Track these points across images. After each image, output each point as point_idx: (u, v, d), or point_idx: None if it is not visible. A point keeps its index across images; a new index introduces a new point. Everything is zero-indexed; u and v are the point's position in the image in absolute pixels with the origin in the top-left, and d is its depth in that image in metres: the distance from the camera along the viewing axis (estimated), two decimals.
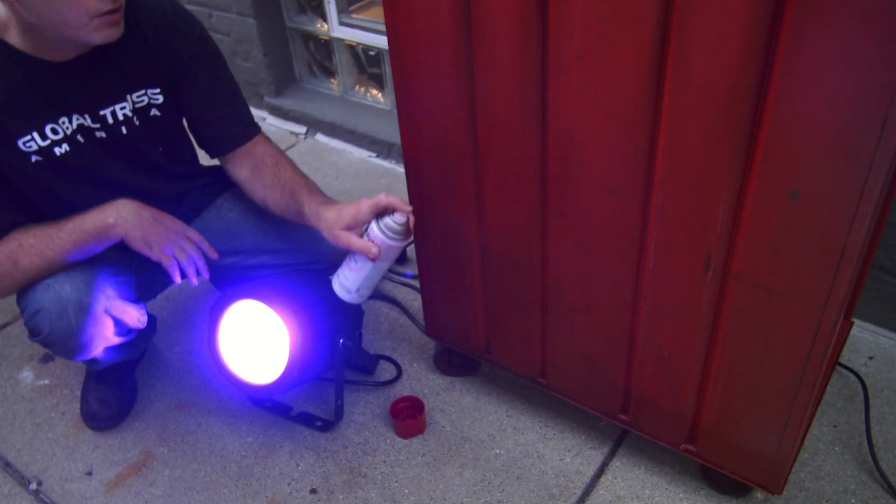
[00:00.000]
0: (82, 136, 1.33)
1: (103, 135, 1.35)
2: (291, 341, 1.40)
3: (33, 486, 1.56)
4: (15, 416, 1.71)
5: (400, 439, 1.59)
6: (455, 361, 1.70)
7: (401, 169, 2.50)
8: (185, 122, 1.50)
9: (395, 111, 1.43)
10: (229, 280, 1.60)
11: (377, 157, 2.59)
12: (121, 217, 1.32)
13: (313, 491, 1.51)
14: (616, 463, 1.51)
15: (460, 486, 1.49)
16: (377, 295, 1.95)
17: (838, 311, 1.02)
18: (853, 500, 1.40)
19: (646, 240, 1.13)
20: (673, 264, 1.12)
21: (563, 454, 1.53)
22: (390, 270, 1.98)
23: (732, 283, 1.09)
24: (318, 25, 2.68)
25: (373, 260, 1.28)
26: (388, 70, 2.58)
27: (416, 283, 1.93)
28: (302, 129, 2.78)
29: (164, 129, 1.45)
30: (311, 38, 2.76)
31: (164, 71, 1.38)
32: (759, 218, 1.00)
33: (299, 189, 1.40)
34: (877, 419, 1.53)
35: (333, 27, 2.62)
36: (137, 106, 1.38)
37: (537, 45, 1.05)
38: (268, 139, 1.52)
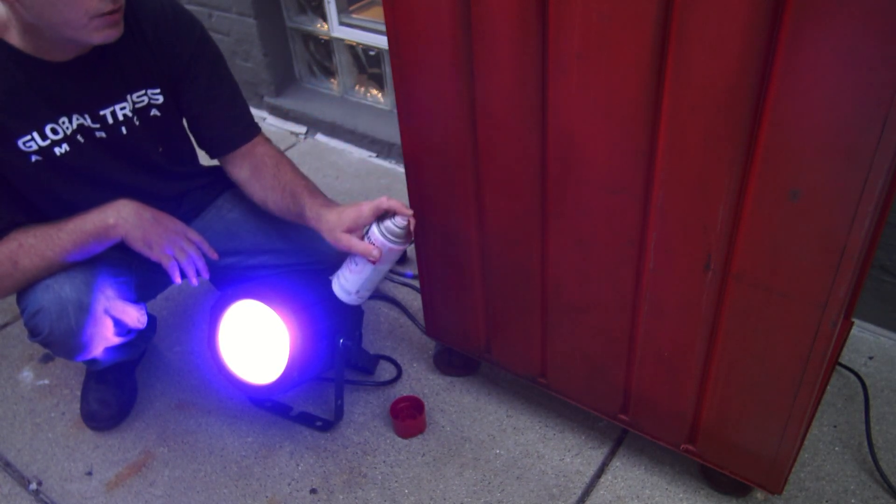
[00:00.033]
0: (82, 136, 1.33)
1: (103, 135, 1.35)
2: (291, 341, 1.40)
3: (33, 486, 1.56)
4: (15, 416, 1.71)
5: (400, 439, 1.59)
6: (455, 361, 1.70)
7: (401, 169, 2.50)
8: (185, 122, 1.50)
9: (395, 111, 1.43)
10: (229, 280, 1.60)
11: (377, 157, 2.59)
12: (121, 217, 1.32)
13: (313, 491, 1.51)
14: (616, 463, 1.51)
15: (460, 486, 1.49)
16: (377, 295, 1.95)
17: (838, 311, 1.02)
18: (853, 500, 1.40)
19: (646, 240, 1.13)
20: (673, 264, 1.12)
21: (563, 454, 1.53)
22: (390, 271, 1.98)
23: (732, 283, 1.09)
24: (318, 25, 2.68)
25: (373, 263, 1.28)
26: (388, 70, 2.58)
27: (416, 283, 1.93)
28: (302, 129, 2.78)
29: (164, 130, 1.45)
30: (311, 38, 2.76)
31: (165, 71, 1.38)
32: (759, 218, 1.00)
33: (300, 191, 1.40)
34: (877, 419, 1.53)
35: (333, 27, 2.62)
36: (137, 106, 1.38)
37: (537, 45, 1.05)
38: (268, 140, 1.52)
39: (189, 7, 1.76)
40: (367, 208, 1.28)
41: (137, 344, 1.57)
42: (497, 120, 1.17)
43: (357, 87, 2.75)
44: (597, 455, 1.52)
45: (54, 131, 1.30)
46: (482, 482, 1.49)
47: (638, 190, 1.08)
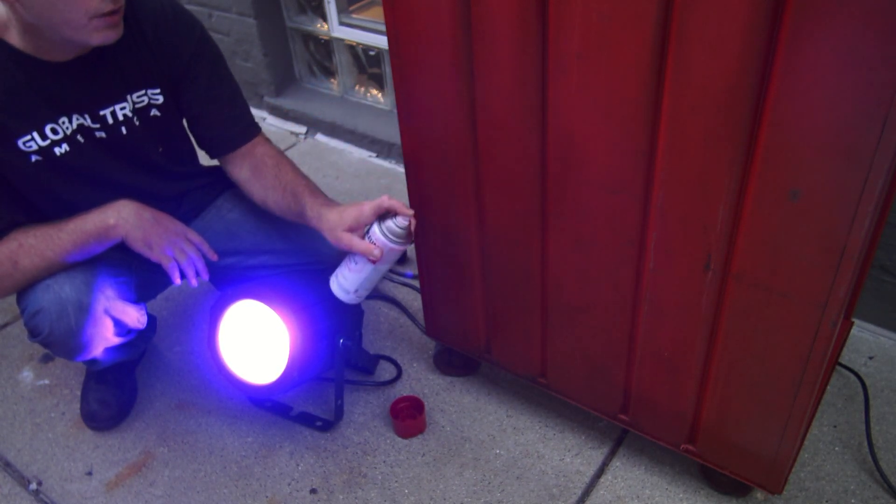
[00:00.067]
0: (82, 136, 1.33)
1: (103, 135, 1.35)
2: (291, 341, 1.40)
3: (33, 486, 1.56)
4: (15, 416, 1.71)
5: (400, 439, 1.59)
6: (455, 361, 1.70)
7: (401, 169, 2.50)
8: (185, 122, 1.50)
9: (395, 111, 1.43)
10: (229, 280, 1.60)
11: (377, 157, 2.59)
12: (121, 218, 1.32)
13: (313, 491, 1.51)
14: (616, 463, 1.51)
15: (460, 486, 1.49)
16: (377, 295, 1.95)
17: (838, 311, 1.02)
18: (853, 500, 1.40)
19: (646, 240, 1.13)
20: (673, 264, 1.12)
21: (563, 454, 1.53)
22: (390, 270, 1.98)
23: (732, 283, 1.09)
24: (318, 25, 2.68)
25: (374, 262, 1.28)
26: (388, 70, 2.58)
27: (416, 283, 1.93)
28: (302, 129, 2.78)
29: (164, 130, 1.45)
30: (311, 38, 2.76)
31: (165, 71, 1.38)
32: (759, 218, 1.00)
33: (301, 190, 1.40)
34: (877, 419, 1.53)
35: (333, 27, 2.62)
36: (137, 106, 1.38)
37: (537, 45, 1.05)
38: (268, 140, 1.52)
39: (189, 7, 1.76)
40: (368, 207, 1.28)
41: (137, 344, 1.57)
42: (497, 120, 1.17)
43: (357, 87, 2.75)
44: (597, 455, 1.52)
45: (54, 131, 1.30)
46: (482, 482, 1.49)
47: (638, 190, 1.08)
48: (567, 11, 0.98)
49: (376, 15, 2.56)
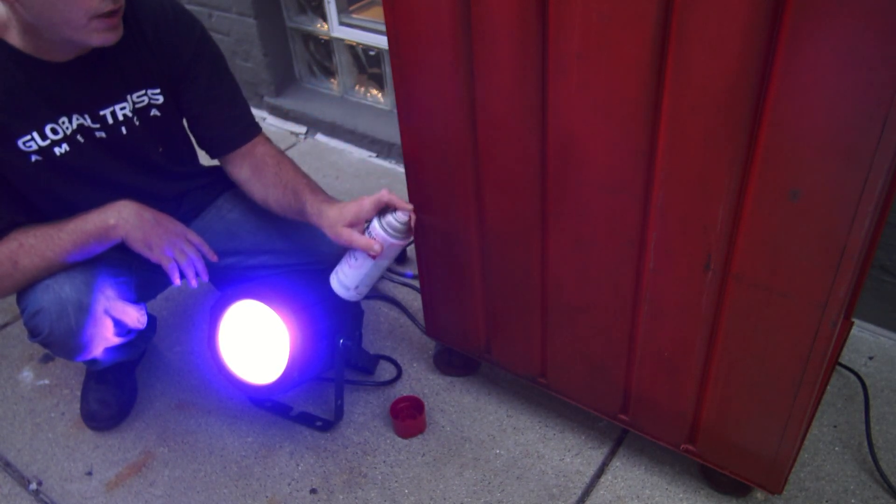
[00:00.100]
0: (82, 136, 1.33)
1: (103, 135, 1.36)
2: (291, 341, 1.40)
3: (33, 486, 1.56)
4: (15, 416, 1.71)
5: (400, 439, 1.59)
6: (455, 361, 1.70)
7: (401, 169, 2.50)
8: (185, 122, 1.50)
9: (395, 111, 1.43)
10: (229, 280, 1.60)
11: (377, 157, 2.59)
12: (122, 218, 1.32)
13: (313, 491, 1.51)
14: (616, 463, 1.51)
15: (460, 486, 1.49)
16: (377, 295, 1.95)
17: (838, 311, 1.02)
18: (853, 500, 1.40)
19: (646, 240, 1.13)
20: (673, 264, 1.12)
21: (563, 454, 1.53)
22: (390, 270, 1.98)
23: (732, 283, 1.09)
24: (318, 25, 2.68)
25: (374, 257, 1.29)
26: (388, 70, 2.58)
27: (416, 283, 1.93)
28: (302, 129, 2.79)
29: (164, 130, 1.45)
30: (311, 38, 2.76)
31: (165, 71, 1.38)
32: (759, 218, 1.00)
33: (301, 188, 1.40)
34: (877, 419, 1.53)
35: (333, 27, 2.62)
36: (137, 106, 1.38)
37: (537, 45, 1.05)
38: (268, 139, 1.52)
39: (189, 7, 1.76)
40: (368, 202, 1.28)
41: (137, 344, 1.57)
42: (497, 120, 1.17)
43: (357, 87, 2.75)
44: (597, 455, 1.52)
45: (54, 131, 1.30)
46: (482, 482, 1.49)
47: (638, 190, 1.08)
48: (567, 11, 0.98)
49: (376, 15, 2.56)
